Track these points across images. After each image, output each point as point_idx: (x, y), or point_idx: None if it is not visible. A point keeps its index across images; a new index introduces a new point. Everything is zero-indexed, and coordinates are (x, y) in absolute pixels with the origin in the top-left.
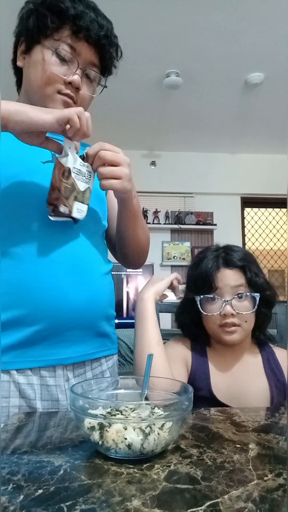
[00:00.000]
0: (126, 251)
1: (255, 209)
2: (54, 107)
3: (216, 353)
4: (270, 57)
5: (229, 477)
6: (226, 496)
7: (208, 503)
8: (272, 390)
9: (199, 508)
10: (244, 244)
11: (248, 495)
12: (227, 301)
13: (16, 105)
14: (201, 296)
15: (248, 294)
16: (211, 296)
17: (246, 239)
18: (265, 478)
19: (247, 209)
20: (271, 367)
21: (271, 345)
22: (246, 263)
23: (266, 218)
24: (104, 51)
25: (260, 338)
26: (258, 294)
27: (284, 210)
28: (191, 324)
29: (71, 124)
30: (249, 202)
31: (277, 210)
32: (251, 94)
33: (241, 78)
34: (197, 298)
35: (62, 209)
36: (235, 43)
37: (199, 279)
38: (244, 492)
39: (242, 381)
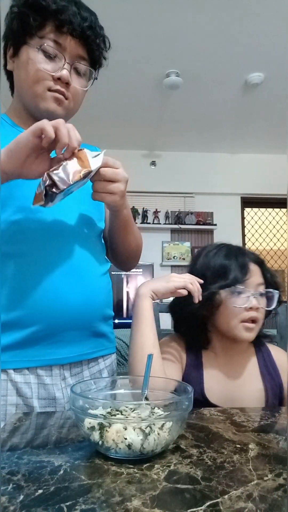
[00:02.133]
0: (116, 255)
1: (255, 209)
2: (45, 105)
3: (213, 355)
4: (270, 57)
5: (229, 477)
6: (226, 496)
7: (208, 503)
8: (267, 392)
9: (199, 508)
10: (244, 244)
11: (248, 495)
12: (254, 294)
13: None
14: (232, 287)
15: (270, 290)
16: (242, 287)
17: (246, 239)
18: (265, 478)
19: (247, 209)
20: (267, 368)
21: (267, 344)
22: (263, 260)
23: (266, 218)
24: (90, 43)
25: (257, 337)
26: (277, 291)
27: (284, 210)
28: (199, 320)
29: (44, 133)
30: (249, 202)
31: (277, 210)
32: (251, 94)
33: (241, 78)
34: (226, 291)
35: (56, 199)
36: (235, 43)
37: (232, 269)
38: (244, 492)
39: (236, 384)
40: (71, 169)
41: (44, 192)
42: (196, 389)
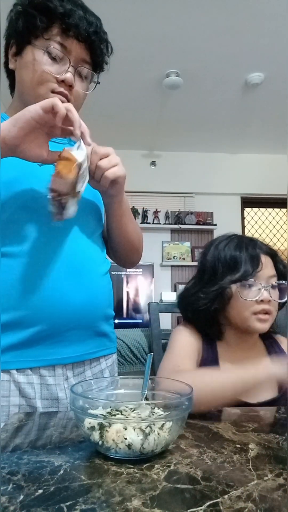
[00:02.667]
0: (118, 249)
1: (255, 209)
2: None
3: (227, 347)
4: (270, 57)
5: (229, 477)
6: (226, 496)
7: (208, 503)
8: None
9: (199, 508)
10: None
11: (248, 495)
12: (266, 287)
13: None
14: (242, 281)
15: (282, 282)
16: (253, 280)
17: None
18: (265, 478)
19: (247, 209)
20: (279, 357)
21: (273, 335)
22: (275, 252)
23: (266, 218)
24: (94, 48)
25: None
26: None
27: (284, 210)
28: (210, 314)
29: (56, 109)
30: (249, 202)
31: (277, 210)
32: (251, 94)
33: (241, 78)
34: (237, 284)
35: (69, 205)
36: (235, 43)
37: (243, 261)
38: (244, 492)
39: None
40: (63, 171)
41: (55, 206)
42: None
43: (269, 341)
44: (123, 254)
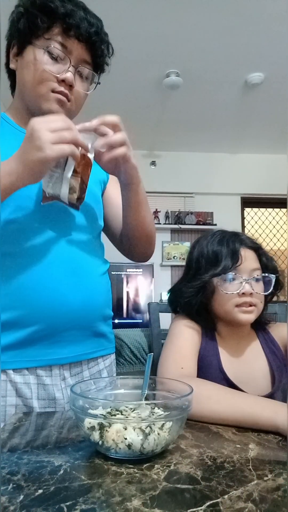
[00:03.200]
0: (135, 241)
1: (255, 209)
2: (48, 106)
3: (223, 337)
4: (270, 57)
5: (229, 477)
6: (226, 496)
7: (208, 503)
8: (272, 370)
9: (199, 508)
10: None
11: (248, 495)
12: (247, 280)
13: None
14: (222, 275)
15: (266, 275)
16: (233, 274)
17: None
18: (265, 478)
19: (247, 209)
20: (269, 346)
21: (265, 326)
22: (259, 246)
23: (266, 218)
24: (95, 48)
25: (257, 321)
26: (274, 276)
27: (284, 210)
28: (200, 308)
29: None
30: (249, 202)
31: (277, 210)
32: (251, 94)
33: (241, 78)
34: (217, 278)
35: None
36: (235, 43)
37: (223, 256)
38: (244, 492)
39: (247, 363)
40: (85, 177)
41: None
42: (213, 364)
43: (260, 331)
44: (139, 246)
